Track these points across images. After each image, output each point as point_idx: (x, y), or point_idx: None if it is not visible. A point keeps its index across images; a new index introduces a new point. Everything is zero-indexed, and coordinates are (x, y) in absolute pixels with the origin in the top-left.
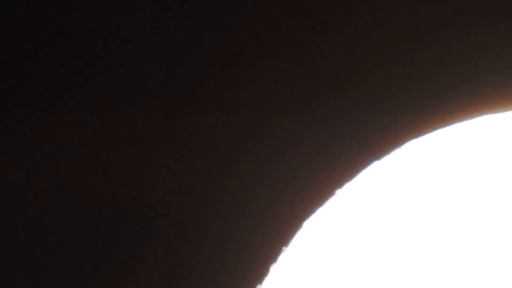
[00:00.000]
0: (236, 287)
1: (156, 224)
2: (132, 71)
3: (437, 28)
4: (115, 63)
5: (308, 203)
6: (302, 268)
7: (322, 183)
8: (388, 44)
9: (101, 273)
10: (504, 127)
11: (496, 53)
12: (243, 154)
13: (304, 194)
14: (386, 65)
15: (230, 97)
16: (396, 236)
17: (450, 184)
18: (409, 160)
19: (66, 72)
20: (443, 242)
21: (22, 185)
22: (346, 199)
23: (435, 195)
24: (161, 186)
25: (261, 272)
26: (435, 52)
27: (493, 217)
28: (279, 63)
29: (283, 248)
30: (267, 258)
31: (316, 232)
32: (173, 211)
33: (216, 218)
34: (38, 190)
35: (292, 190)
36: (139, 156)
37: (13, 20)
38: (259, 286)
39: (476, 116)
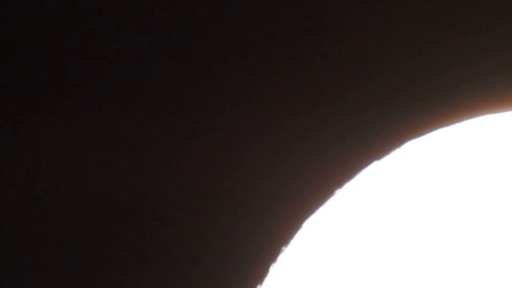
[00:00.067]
0: (236, 287)
1: (156, 224)
2: (132, 71)
3: (437, 28)
4: (115, 63)
5: (308, 203)
6: (302, 268)
7: (322, 183)
8: (388, 44)
9: (101, 273)
10: (505, 127)
11: (496, 53)
12: (243, 154)
13: (304, 194)
14: (386, 65)
15: (230, 97)
16: (396, 236)
17: (450, 184)
18: (409, 160)
19: (66, 72)
20: (443, 242)
21: (22, 185)
22: (346, 199)
23: (435, 195)
24: (160, 186)
25: (261, 272)
26: (435, 52)
27: (493, 217)
28: (279, 63)
29: (283, 248)
30: (267, 258)
31: (316, 232)
32: (173, 211)
33: (216, 218)
34: (38, 190)
35: (292, 190)
36: (139, 156)
37: (13, 20)
38: (259, 286)
39: (477, 116)
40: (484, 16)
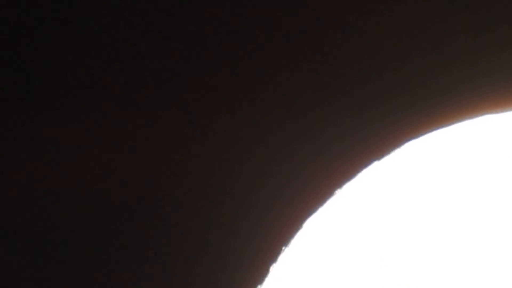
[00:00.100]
0: (236, 287)
1: (156, 224)
2: (132, 72)
3: (437, 28)
4: (115, 63)
5: (308, 203)
6: (302, 268)
7: (322, 183)
8: (388, 44)
9: (101, 273)
10: (505, 128)
11: (496, 53)
12: (243, 154)
13: (304, 194)
14: (386, 65)
15: (230, 97)
16: (396, 236)
17: (450, 184)
18: (409, 161)
19: (66, 72)
20: (443, 242)
21: (22, 185)
22: (346, 199)
23: (435, 195)
24: (160, 186)
25: (262, 272)
26: (435, 52)
27: (493, 217)
28: (279, 63)
29: (283, 248)
30: (267, 258)
31: (316, 232)
32: (173, 211)
33: (216, 218)
34: (38, 190)
35: (292, 190)
36: (139, 156)
37: (13, 20)
38: (259, 286)
39: (476, 116)
40: (484, 16)
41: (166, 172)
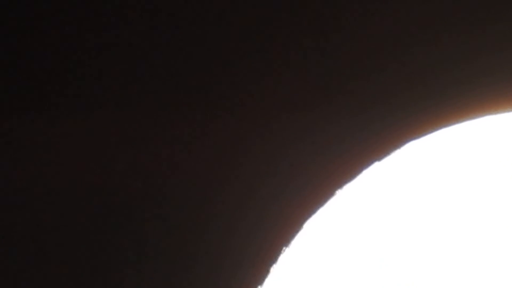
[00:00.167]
0: (236, 287)
1: (156, 224)
2: (132, 72)
3: (437, 29)
4: (116, 63)
5: (308, 203)
6: (303, 269)
7: (323, 183)
8: (388, 45)
9: (101, 273)
10: (505, 128)
11: (496, 53)
12: (243, 155)
13: (305, 195)
14: (387, 66)
15: (230, 97)
16: (396, 236)
17: (451, 184)
18: (409, 161)
19: (66, 72)
20: (443, 242)
21: (22, 185)
22: (346, 199)
23: (436, 195)
24: (161, 186)
25: (262, 272)
26: (435, 53)
27: (493, 217)
28: (280, 63)
29: (284, 248)
30: (267, 259)
31: (316, 232)
32: (173, 211)
33: (216, 218)
34: (38, 190)
35: (292, 191)
36: (139, 156)
37: (13, 20)
38: (259, 286)
39: (477, 117)
40: (483, 16)
41: (166, 172)
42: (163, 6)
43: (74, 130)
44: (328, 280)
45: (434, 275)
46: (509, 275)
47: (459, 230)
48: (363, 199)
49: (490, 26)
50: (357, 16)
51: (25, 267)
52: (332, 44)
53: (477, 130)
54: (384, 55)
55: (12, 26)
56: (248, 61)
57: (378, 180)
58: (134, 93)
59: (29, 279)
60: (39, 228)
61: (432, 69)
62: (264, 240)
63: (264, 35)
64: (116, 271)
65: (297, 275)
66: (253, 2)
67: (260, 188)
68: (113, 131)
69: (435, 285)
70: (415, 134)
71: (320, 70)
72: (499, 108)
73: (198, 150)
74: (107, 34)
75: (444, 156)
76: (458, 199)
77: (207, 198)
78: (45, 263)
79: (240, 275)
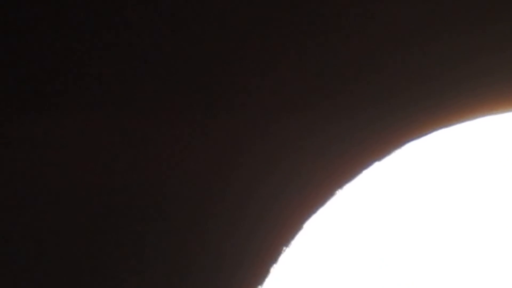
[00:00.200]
0: (236, 287)
1: (156, 224)
2: (132, 72)
3: (437, 29)
4: (115, 63)
5: (308, 203)
6: (303, 269)
7: (323, 183)
8: (388, 45)
9: (101, 273)
10: (505, 129)
11: (496, 54)
12: (243, 155)
13: (305, 195)
14: (387, 65)
15: (230, 97)
16: (396, 236)
17: (451, 184)
18: (409, 161)
19: (66, 72)
20: (443, 242)
21: (22, 185)
22: (346, 200)
23: (436, 195)
24: (161, 186)
25: (262, 272)
26: (435, 53)
27: (493, 217)
28: (279, 63)
29: (284, 248)
30: (267, 259)
31: (316, 232)
32: (173, 211)
33: (216, 218)
34: (38, 190)
35: (292, 191)
36: (139, 156)
37: (13, 20)
38: (259, 286)
39: (477, 117)
40: (483, 16)
41: (166, 172)
42: (163, 6)
43: (74, 130)
44: (328, 280)
45: (434, 275)
46: (509, 275)
47: (459, 230)
48: (363, 199)
49: (490, 26)
50: (357, 16)
51: (25, 267)
52: (332, 44)
53: (477, 130)
54: (384, 55)
55: (12, 26)
56: (248, 61)
57: (378, 180)
58: (134, 93)
59: (29, 279)
60: (39, 228)
61: (432, 69)
62: (264, 240)
63: (264, 35)
64: (116, 271)
65: (297, 275)
66: (253, 2)
67: (260, 188)
68: (113, 131)
69: (435, 285)
70: (415, 134)
71: (320, 70)
72: (499, 108)
73: (198, 150)
74: (107, 34)
75: (444, 156)
76: (458, 199)
77: (207, 198)
78: (45, 263)
79: (240, 275)
